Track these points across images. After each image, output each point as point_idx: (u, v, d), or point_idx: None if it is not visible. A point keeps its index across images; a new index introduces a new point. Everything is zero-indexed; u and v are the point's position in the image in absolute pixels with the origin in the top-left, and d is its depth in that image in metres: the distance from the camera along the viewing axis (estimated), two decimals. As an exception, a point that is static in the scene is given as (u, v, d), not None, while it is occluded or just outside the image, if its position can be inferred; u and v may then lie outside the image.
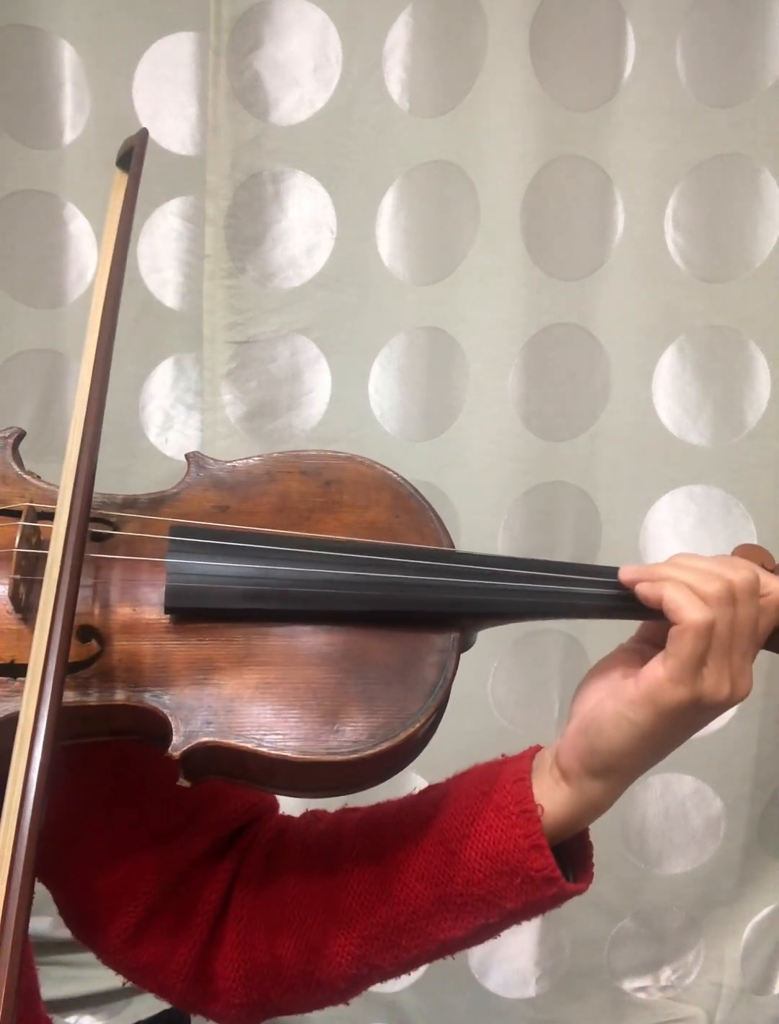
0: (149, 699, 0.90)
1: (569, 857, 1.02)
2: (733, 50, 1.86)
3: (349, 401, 2.01)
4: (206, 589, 0.95)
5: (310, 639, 0.95)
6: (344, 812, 1.11)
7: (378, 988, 1.11)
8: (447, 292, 1.97)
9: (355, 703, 0.92)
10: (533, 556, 1.93)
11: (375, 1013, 2.16)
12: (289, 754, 0.89)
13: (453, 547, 1.03)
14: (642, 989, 2.24)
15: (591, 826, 1.02)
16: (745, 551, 1.03)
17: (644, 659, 0.95)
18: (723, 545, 1.97)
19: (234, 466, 1.06)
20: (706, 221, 1.93)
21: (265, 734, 0.89)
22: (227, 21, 1.85)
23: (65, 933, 1.16)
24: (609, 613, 1.00)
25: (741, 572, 0.93)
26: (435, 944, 1.02)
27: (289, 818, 1.16)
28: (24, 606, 0.92)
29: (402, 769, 0.97)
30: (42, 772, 0.75)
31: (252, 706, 0.91)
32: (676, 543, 2.02)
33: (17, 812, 0.74)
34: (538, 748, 1.04)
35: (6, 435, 1.05)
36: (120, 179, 1.07)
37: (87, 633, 0.92)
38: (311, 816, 1.14)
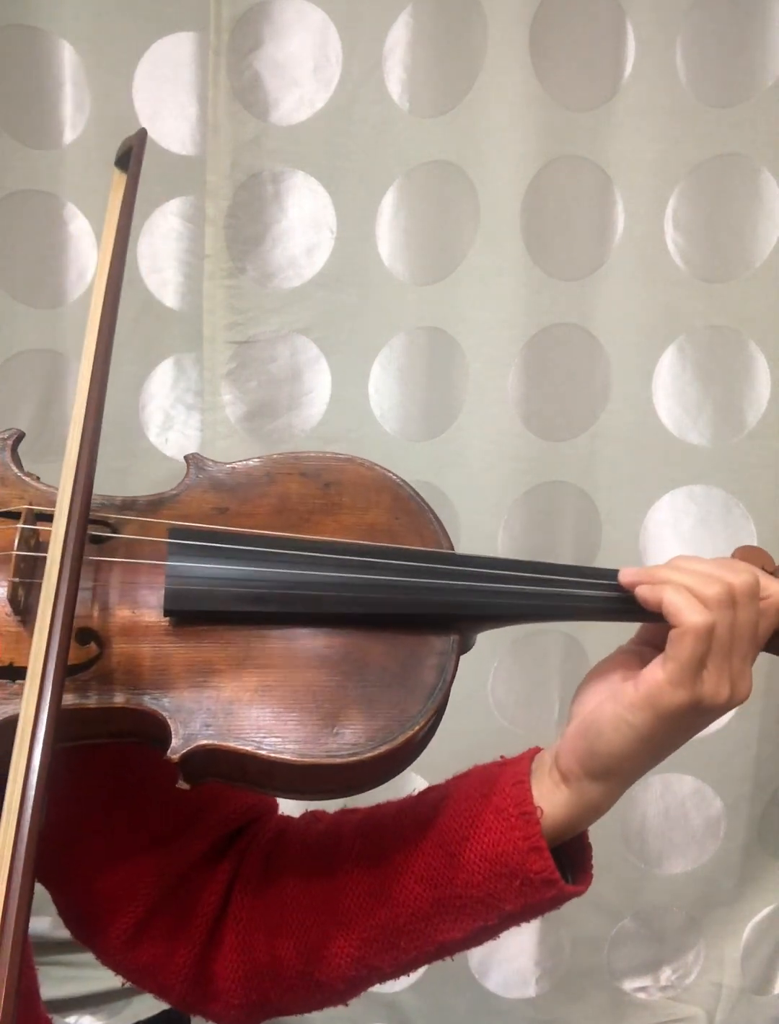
0: (148, 702, 0.90)
1: (568, 859, 1.02)
2: (733, 50, 1.86)
3: (349, 401, 2.01)
4: (205, 592, 0.95)
5: (309, 642, 0.94)
6: (343, 813, 1.11)
7: (378, 988, 1.11)
8: (447, 292, 1.97)
9: (354, 706, 0.92)
10: (533, 556, 1.93)
11: (375, 1013, 2.16)
12: (288, 757, 0.89)
13: (453, 549, 1.03)
14: (642, 989, 2.24)
15: (591, 826, 1.02)
16: (745, 553, 1.03)
17: (644, 661, 0.95)
18: (723, 545, 1.97)
19: (233, 468, 1.06)
20: (706, 221, 1.93)
21: (264, 737, 0.89)
22: (227, 21, 1.85)
23: (65, 933, 1.16)
24: (609, 615, 1.00)
25: (741, 575, 0.93)
26: (434, 946, 1.02)
27: (288, 819, 1.16)
28: (23, 608, 0.92)
29: (401, 771, 0.97)
30: (41, 774, 0.76)
31: (251, 709, 0.90)
32: (676, 543, 2.02)
33: (17, 814, 0.74)
34: (537, 750, 1.04)
35: (5, 437, 1.05)
36: (119, 179, 1.07)
37: (86, 636, 0.92)
38: (310, 817, 1.14)
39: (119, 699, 0.91)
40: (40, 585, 0.84)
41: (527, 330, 1.97)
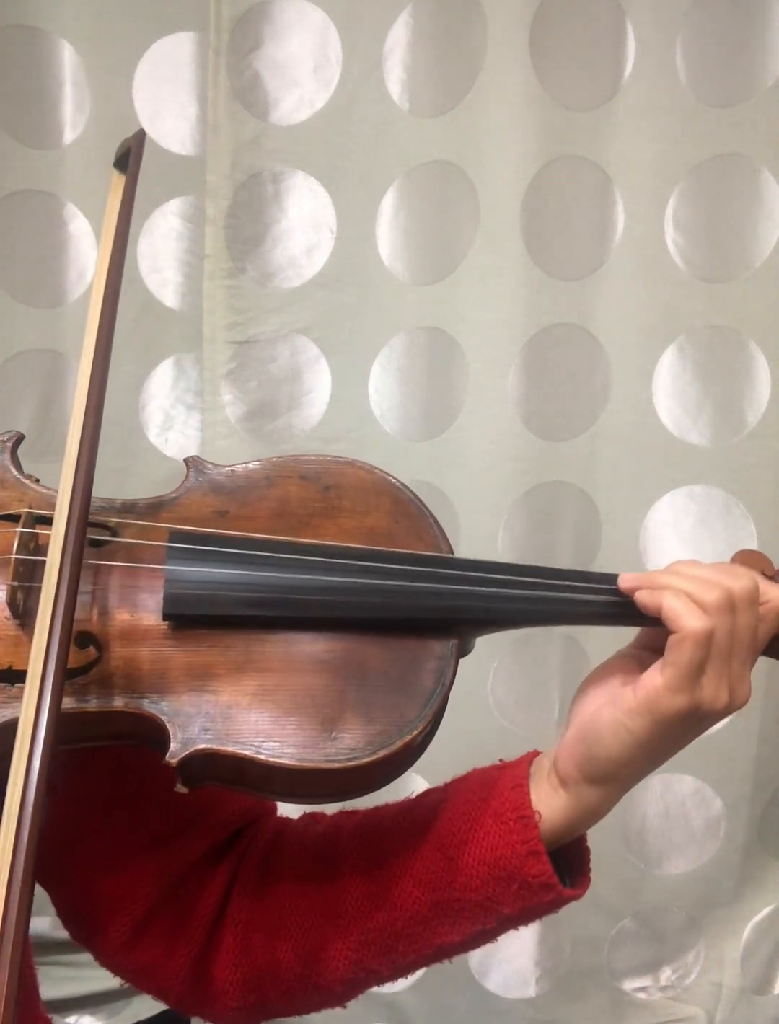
0: (147, 706, 0.90)
1: (566, 862, 1.02)
2: (733, 50, 1.86)
3: (349, 401, 2.01)
4: (204, 596, 0.95)
5: (308, 646, 0.94)
6: (342, 815, 1.11)
7: (378, 988, 1.11)
8: (447, 292, 1.97)
9: (353, 710, 0.92)
10: (533, 556, 1.94)
11: (375, 1013, 2.16)
12: (286, 761, 0.89)
13: (452, 553, 1.03)
14: (642, 989, 2.24)
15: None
16: (745, 557, 1.03)
17: (642, 665, 0.95)
18: (723, 545, 1.98)
19: (233, 471, 1.05)
20: (706, 221, 1.93)
21: (263, 741, 0.89)
22: (227, 21, 1.85)
23: (65, 933, 1.16)
24: (608, 620, 1.00)
25: (740, 580, 0.93)
26: (432, 949, 1.02)
27: (287, 820, 1.16)
28: (22, 612, 0.92)
29: (400, 775, 0.97)
30: (41, 777, 0.76)
31: (250, 713, 0.91)
32: (676, 543, 2.02)
33: (17, 816, 0.74)
34: (536, 753, 1.04)
35: (5, 439, 1.05)
36: (118, 180, 1.07)
37: (85, 639, 0.92)
38: (309, 818, 1.14)
39: (118, 703, 0.91)
40: (40, 589, 0.84)
41: (527, 330, 1.97)
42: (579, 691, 1.02)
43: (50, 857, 0.79)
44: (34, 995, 1.18)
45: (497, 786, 1.00)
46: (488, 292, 1.94)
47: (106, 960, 1.14)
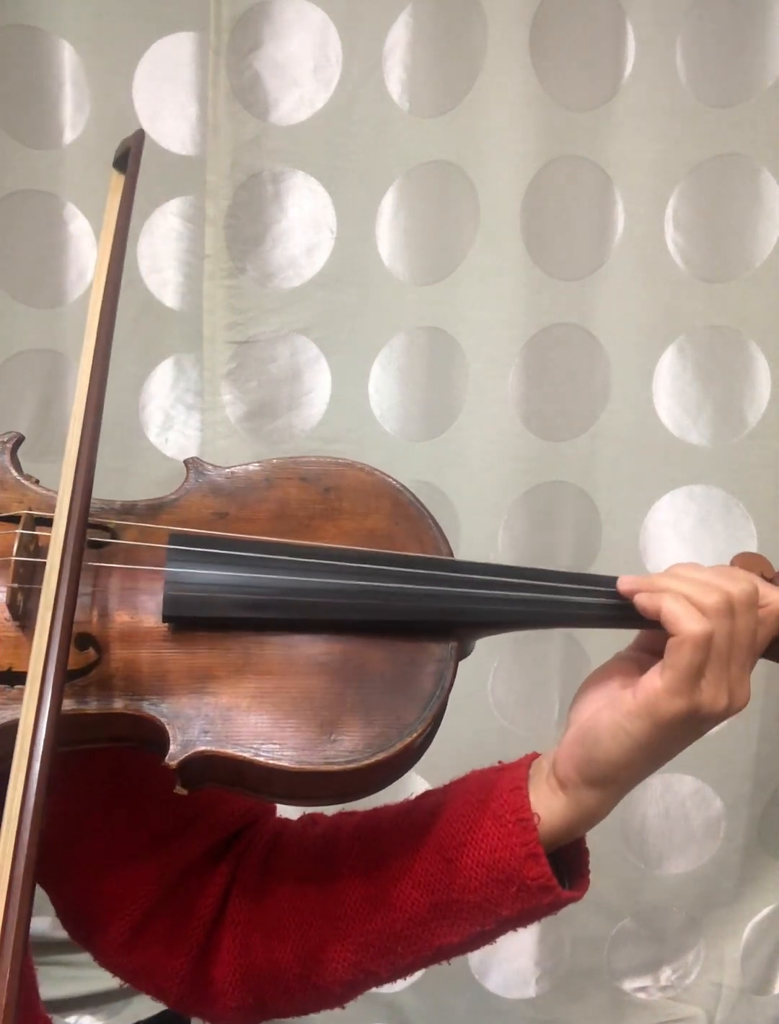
0: (146, 708, 0.90)
1: (565, 864, 1.02)
2: (733, 50, 1.86)
3: (349, 401, 2.01)
4: (204, 598, 0.95)
5: (308, 648, 0.94)
6: (341, 816, 1.11)
7: (378, 988, 1.12)
8: (447, 292, 1.96)
9: (352, 713, 0.92)
10: (533, 556, 1.94)
11: (375, 1013, 2.16)
12: (285, 764, 0.89)
13: (452, 555, 1.03)
14: (642, 989, 2.24)
15: (590, 827, 1.02)
16: (744, 560, 1.03)
17: (642, 668, 0.95)
18: (723, 545, 1.98)
19: (233, 472, 1.05)
20: (706, 221, 1.92)
21: (262, 744, 0.89)
22: (227, 21, 1.85)
23: (65, 933, 1.16)
24: (607, 623, 1.00)
25: (740, 584, 0.93)
26: (431, 950, 1.02)
27: (286, 821, 1.16)
28: (22, 614, 0.92)
29: (400, 777, 0.97)
30: (42, 779, 0.76)
31: (249, 715, 0.91)
32: (676, 543, 2.02)
33: (17, 819, 0.74)
34: (535, 755, 1.04)
35: (5, 440, 1.05)
36: (117, 180, 1.07)
37: (85, 641, 0.92)
38: (308, 820, 1.14)
39: (117, 705, 0.91)
40: (39, 590, 0.84)
41: (527, 330, 1.96)
42: (578, 693, 1.02)
43: (49, 857, 0.79)
44: (34, 995, 1.18)
45: (496, 788, 1.00)
46: (488, 292, 1.94)
47: (105, 960, 1.14)
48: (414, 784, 1.67)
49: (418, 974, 1.09)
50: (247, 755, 0.89)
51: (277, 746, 0.89)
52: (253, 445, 2.00)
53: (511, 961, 2.19)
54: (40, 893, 1.01)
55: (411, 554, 1.01)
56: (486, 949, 1.06)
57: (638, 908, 2.20)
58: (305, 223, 1.95)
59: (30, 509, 0.97)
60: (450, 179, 1.92)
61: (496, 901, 0.97)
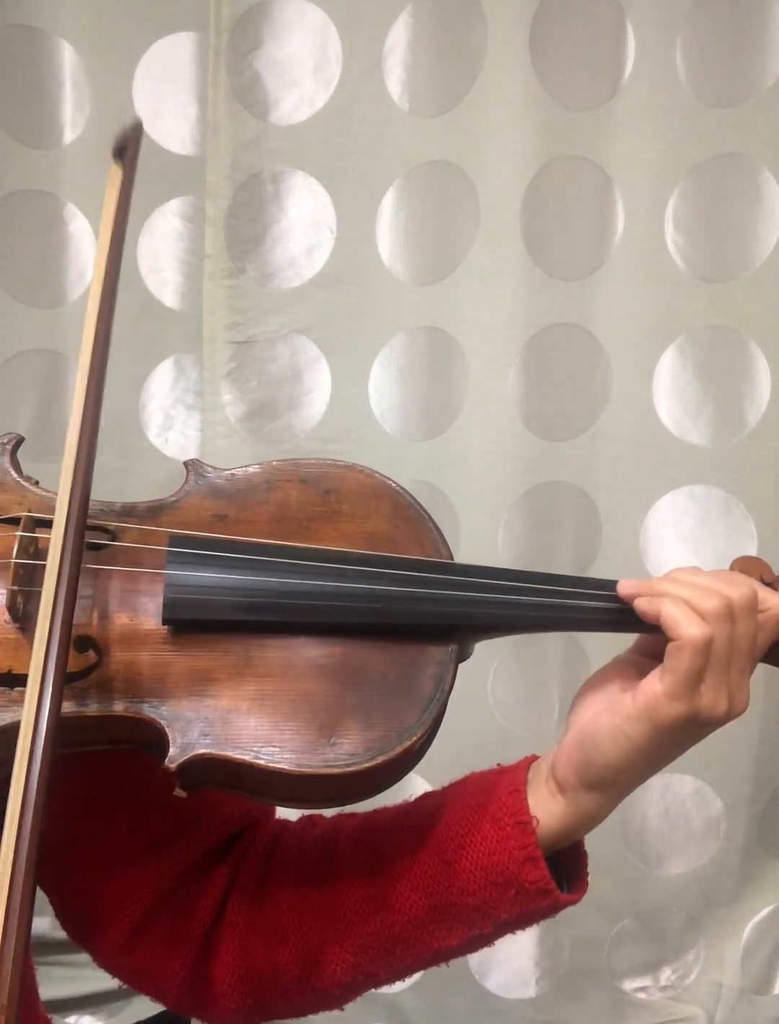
0: (146, 710, 0.90)
1: (564, 866, 1.02)
2: (733, 50, 1.86)
3: (349, 401, 2.01)
4: (204, 601, 0.95)
5: (308, 651, 0.94)
6: (340, 818, 1.11)
7: (378, 989, 1.12)
8: (447, 292, 1.96)
9: (352, 716, 0.92)
10: (533, 556, 1.94)
11: (375, 1014, 2.16)
12: (285, 766, 0.89)
13: (452, 558, 1.03)
14: (642, 989, 2.24)
15: (590, 828, 1.02)
16: (744, 564, 1.03)
17: (641, 671, 0.95)
18: (723, 545, 1.98)
19: (233, 474, 1.05)
20: (706, 221, 1.92)
21: (262, 746, 0.89)
22: (227, 21, 1.85)
23: (65, 933, 1.16)
24: (607, 627, 1.00)
25: (739, 588, 0.93)
26: (430, 952, 1.02)
27: (286, 822, 1.16)
28: (22, 616, 0.92)
29: (399, 780, 0.97)
30: (42, 782, 0.76)
31: (249, 718, 0.90)
32: (676, 543, 2.02)
33: (17, 821, 0.74)
34: (534, 758, 1.04)
35: (5, 441, 1.05)
36: (115, 173, 1.05)
37: (85, 643, 0.92)
38: (307, 821, 1.15)
39: (117, 707, 0.91)
40: (40, 593, 0.84)
41: (527, 330, 1.96)
42: (578, 696, 1.02)
43: (49, 859, 0.79)
44: (34, 995, 1.18)
45: (495, 791, 1.00)
46: (488, 292, 1.94)
47: (105, 961, 1.14)
48: (414, 784, 1.67)
49: (418, 974, 1.09)
50: (247, 758, 0.89)
51: (277, 749, 0.89)
52: (253, 445, 2.00)
53: (511, 961, 2.19)
54: (39, 894, 1.01)
55: (411, 557, 1.01)
56: (486, 949, 1.06)
57: (638, 908, 2.20)
58: (305, 223, 1.95)
59: (30, 511, 0.97)
60: (450, 179, 1.92)
61: (495, 904, 0.97)
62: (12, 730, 0.79)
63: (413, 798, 1.09)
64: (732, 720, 0.94)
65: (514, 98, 1.87)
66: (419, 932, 1.00)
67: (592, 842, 1.04)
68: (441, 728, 0.98)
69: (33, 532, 0.95)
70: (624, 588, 0.97)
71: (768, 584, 1.00)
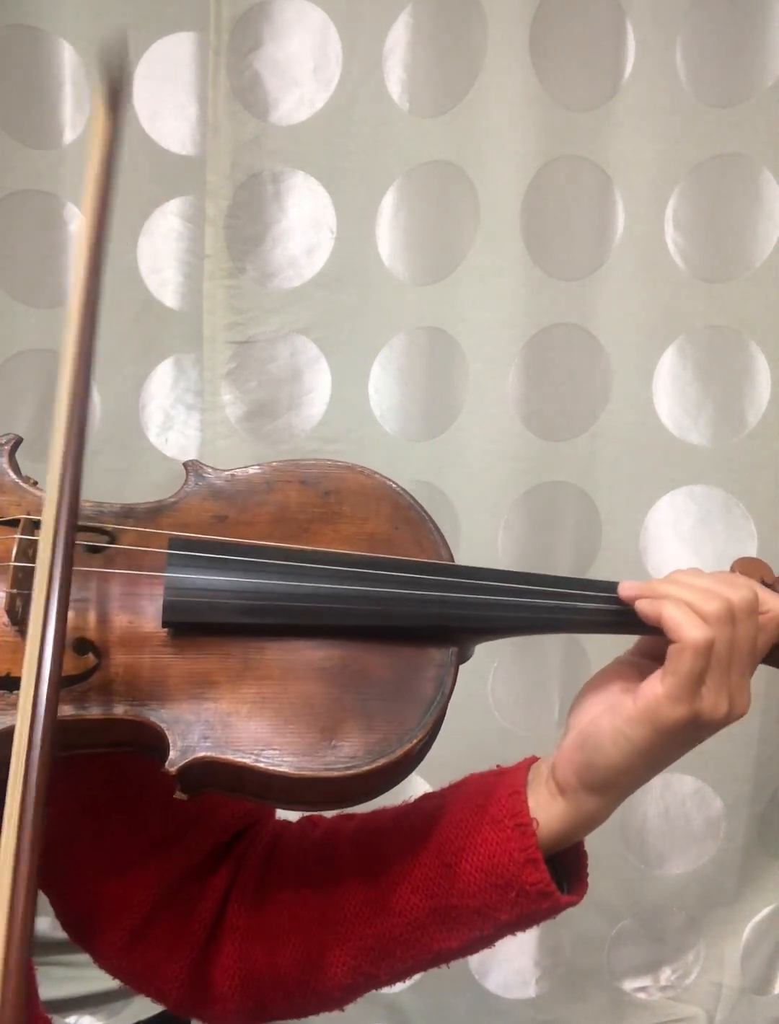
0: (146, 713, 0.90)
1: (564, 867, 1.02)
2: (733, 50, 1.85)
3: (349, 401, 2.01)
4: (204, 603, 0.94)
5: (308, 654, 0.94)
6: (340, 819, 1.11)
7: (378, 990, 1.12)
8: (447, 292, 1.96)
9: (352, 719, 0.91)
10: (533, 556, 1.93)
11: (375, 1014, 2.16)
12: (285, 769, 0.89)
13: (452, 559, 1.03)
14: (642, 989, 2.24)
15: (590, 828, 1.02)
16: (744, 565, 1.03)
17: (642, 673, 0.95)
18: (723, 545, 1.98)
19: (233, 475, 1.05)
20: (706, 221, 1.92)
21: (262, 749, 0.89)
22: (227, 21, 1.85)
23: (65, 933, 1.16)
24: (607, 628, 1.00)
25: (740, 590, 0.93)
26: (430, 955, 1.02)
27: (286, 823, 1.16)
28: (21, 619, 0.92)
29: (400, 782, 0.97)
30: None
31: (249, 721, 0.90)
32: (676, 543, 2.02)
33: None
34: (534, 759, 1.04)
35: (3, 442, 1.04)
36: (102, 125, 0.97)
37: (83, 646, 0.92)
38: (307, 822, 1.14)
39: (117, 710, 0.90)
40: (35, 596, 0.84)
41: (527, 330, 1.96)
42: (578, 698, 1.02)
43: (49, 861, 0.79)
44: (34, 995, 1.18)
45: (495, 793, 1.00)
46: (488, 292, 1.94)
47: (105, 963, 1.14)
48: (414, 784, 1.67)
49: (418, 974, 1.09)
50: (247, 761, 0.89)
51: (277, 752, 0.89)
52: (253, 445, 2.00)
53: (511, 961, 2.19)
54: (40, 895, 1.01)
55: (411, 559, 1.01)
56: (486, 949, 1.06)
57: (638, 908, 2.20)
58: (305, 223, 1.95)
59: (28, 513, 0.97)
60: (450, 179, 1.92)
61: (495, 906, 0.97)
62: (11, 733, 0.79)
63: (413, 799, 1.09)
64: (733, 722, 0.95)
65: (514, 98, 1.87)
66: (419, 934, 1.00)
67: (592, 842, 1.04)
68: (441, 728, 0.98)
69: (32, 534, 0.95)
70: (625, 590, 0.97)
71: (768, 585, 1.00)
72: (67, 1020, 2.14)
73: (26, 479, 1.02)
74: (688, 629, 0.90)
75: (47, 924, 1.65)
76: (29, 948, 0.74)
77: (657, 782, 2.08)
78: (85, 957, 1.16)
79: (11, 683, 0.89)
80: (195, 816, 1.10)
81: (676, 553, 2.01)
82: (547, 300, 1.95)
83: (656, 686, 0.91)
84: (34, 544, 0.94)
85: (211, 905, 1.09)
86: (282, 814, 1.16)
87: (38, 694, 0.79)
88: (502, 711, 2.09)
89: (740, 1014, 2.22)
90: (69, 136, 1.93)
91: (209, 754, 0.89)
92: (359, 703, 0.92)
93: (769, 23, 1.84)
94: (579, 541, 2.04)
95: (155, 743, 0.90)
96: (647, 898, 2.19)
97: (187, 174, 1.95)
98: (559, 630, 1.04)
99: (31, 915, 0.72)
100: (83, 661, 0.91)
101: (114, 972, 1.15)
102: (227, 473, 1.05)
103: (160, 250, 2.00)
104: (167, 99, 1.94)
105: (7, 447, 1.04)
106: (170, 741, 0.89)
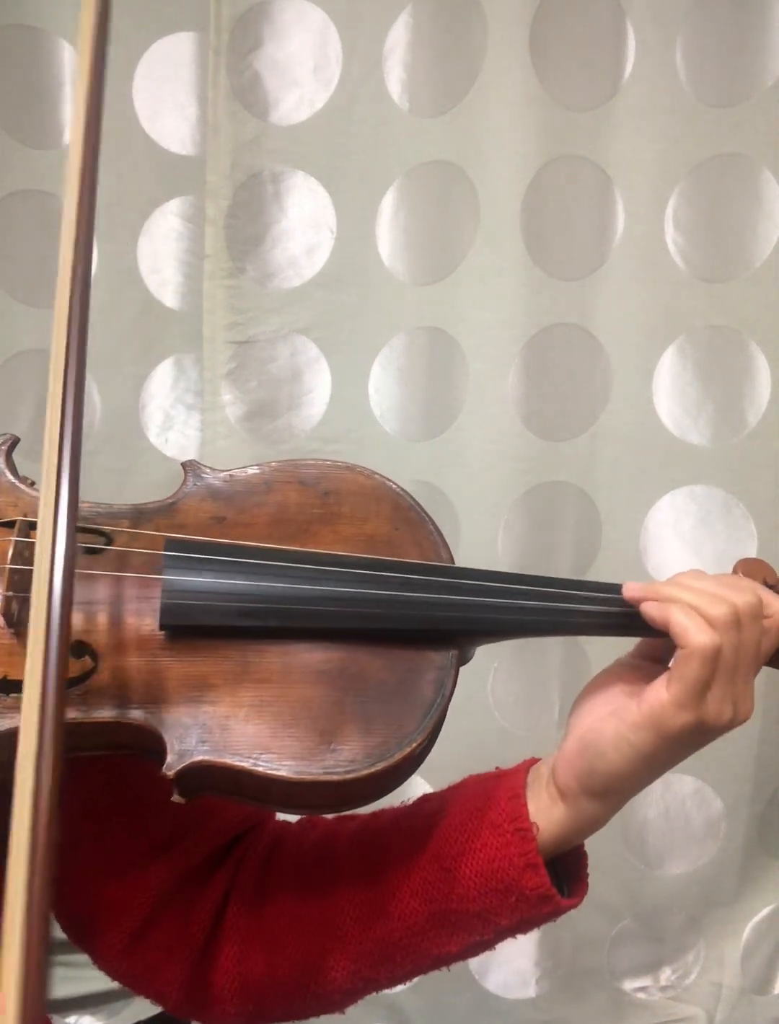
0: (143, 716, 0.90)
1: (564, 869, 1.02)
2: (733, 50, 1.85)
3: (349, 401, 2.01)
4: (201, 606, 0.94)
5: (306, 656, 0.94)
6: (339, 820, 1.11)
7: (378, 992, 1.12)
8: (447, 292, 1.96)
9: (351, 722, 0.91)
10: (533, 556, 1.93)
11: (375, 1014, 2.16)
12: (284, 773, 0.88)
13: (452, 560, 1.02)
14: (642, 989, 2.24)
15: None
16: (747, 566, 1.02)
17: (644, 675, 0.95)
18: (723, 545, 1.98)
19: (231, 475, 1.05)
20: (706, 221, 1.92)
21: (260, 753, 0.89)
22: (227, 21, 1.84)
23: (64, 934, 1.16)
24: (611, 631, 1.00)
25: (745, 595, 0.93)
26: (429, 959, 1.02)
27: (285, 825, 1.16)
28: (17, 622, 0.91)
29: (400, 785, 0.96)
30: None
31: (247, 725, 0.90)
32: (676, 543, 2.02)
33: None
34: (533, 761, 1.04)
35: (0, 442, 1.04)
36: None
37: (81, 649, 0.91)
38: (307, 823, 1.14)
39: (115, 713, 0.90)
40: (33, 599, 0.83)
41: (527, 330, 1.96)
42: (579, 700, 1.01)
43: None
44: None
45: (494, 797, 1.00)
46: (488, 292, 1.94)
47: (104, 965, 1.14)
48: (414, 785, 1.67)
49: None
50: (245, 765, 0.88)
51: (275, 756, 0.89)
52: (253, 445, 2.00)
53: (511, 961, 2.19)
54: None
55: (411, 561, 1.00)
56: (486, 950, 1.06)
57: (638, 908, 2.20)
58: (305, 223, 1.95)
59: (25, 515, 0.97)
60: (450, 179, 1.91)
61: (495, 911, 0.97)
62: (10, 736, 0.79)
63: (412, 800, 1.09)
64: (736, 727, 0.94)
65: (514, 98, 1.86)
66: (419, 939, 1.00)
67: (592, 842, 1.03)
68: (441, 730, 0.98)
69: (28, 536, 0.94)
70: (630, 590, 0.97)
71: (771, 586, 1.00)
72: (67, 1020, 2.14)
73: (23, 479, 1.02)
74: (696, 635, 0.89)
75: (47, 924, 1.65)
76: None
77: (657, 783, 2.05)
78: (85, 957, 1.16)
79: (9, 686, 0.89)
80: (195, 819, 1.10)
81: (676, 553, 2.01)
82: (547, 300, 1.95)
83: (661, 692, 0.91)
84: (31, 546, 0.94)
85: (210, 908, 1.08)
86: (281, 816, 1.16)
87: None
88: (502, 712, 2.09)
89: (740, 1014, 2.21)
90: (69, 136, 1.92)
91: (206, 758, 0.88)
92: (358, 706, 0.92)
93: (769, 23, 1.84)
94: (579, 541, 2.04)
95: (153, 746, 0.90)
96: (647, 898, 2.19)
97: (187, 174, 1.95)
98: (561, 632, 1.04)
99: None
100: (80, 664, 0.91)
101: (114, 974, 1.14)
102: (226, 473, 1.05)
103: (160, 250, 2.00)
104: (167, 99, 1.94)
105: (3, 447, 1.03)
106: (167, 744, 0.88)
